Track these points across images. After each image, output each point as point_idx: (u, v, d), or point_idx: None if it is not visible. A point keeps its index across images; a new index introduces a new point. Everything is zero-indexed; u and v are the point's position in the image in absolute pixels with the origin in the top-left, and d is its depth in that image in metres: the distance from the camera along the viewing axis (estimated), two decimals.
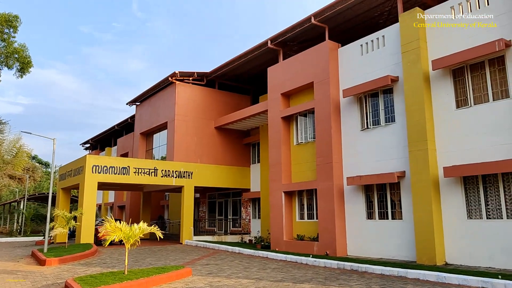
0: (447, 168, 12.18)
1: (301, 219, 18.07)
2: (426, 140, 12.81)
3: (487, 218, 11.70)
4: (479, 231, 11.69)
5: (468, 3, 12.65)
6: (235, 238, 23.17)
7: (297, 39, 19.70)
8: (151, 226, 10.76)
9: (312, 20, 17.19)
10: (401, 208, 13.88)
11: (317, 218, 16.81)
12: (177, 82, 24.40)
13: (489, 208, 11.74)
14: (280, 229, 17.99)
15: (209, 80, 25.44)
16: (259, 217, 23.08)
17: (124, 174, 20.78)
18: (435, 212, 12.42)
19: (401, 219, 13.80)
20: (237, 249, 17.63)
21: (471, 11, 12.56)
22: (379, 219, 14.63)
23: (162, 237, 11.22)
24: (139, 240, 10.63)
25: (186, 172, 22.53)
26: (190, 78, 24.87)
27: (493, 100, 11.88)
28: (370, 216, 14.99)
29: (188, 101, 24.57)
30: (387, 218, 14.36)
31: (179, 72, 24.03)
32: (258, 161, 24.07)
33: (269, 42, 19.50)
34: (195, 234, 22.85)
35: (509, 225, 11.12)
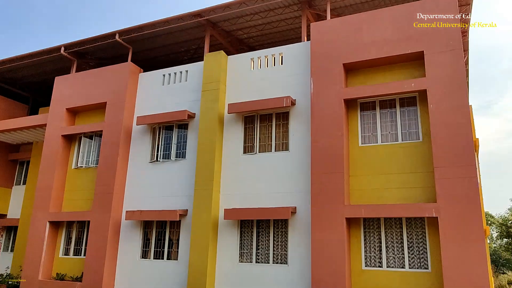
0: (227, 211, 12.29)
1: (65, 254, 15.55)
2: (212, 181, 12.79)
3: (256, 262, 12.11)
4: (248, 274, 11.97)
5: (266, 59, 13.66)
6: None
7: (97, 54, 17.95)
8: None
9: (117, 37, 15.92)
10: (178, 248, 13.28)
11: (85, 255, 14.70)
12: None
13: (259, 252, 12.21)
14: (37, 266, 15.02)
15: None
16: (12, 250, 19.06)
17: None
18: (210, 254, 12.24)
19: (177, 259, 13.17)
20: None
21: (267, 66, 13.56)
22: (154, 258, 13.66)
23: None
24: None
25: None
26: None
27: (275, 151, 12.78)
28: (145, 255, 13.88)
29: None
30: (163, 258, 13.52)
31: None
32: (24, 183, 20.27)
33: (62, 48, 17.14)
34: None
35: (274, 269, 11.70)
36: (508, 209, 33.97)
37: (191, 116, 14.11)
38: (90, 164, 16.03)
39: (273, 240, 12.13)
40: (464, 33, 15.45)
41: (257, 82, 13.54)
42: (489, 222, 34.42)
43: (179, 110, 14.27)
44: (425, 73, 10.90)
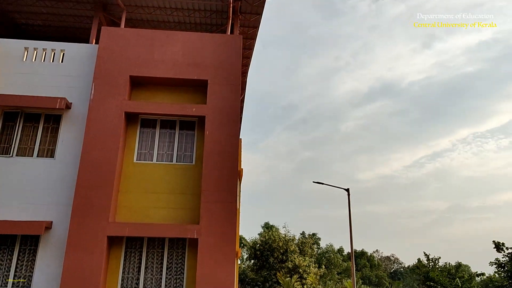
0: None
1: None
2: None
3: None
4: None
5: (44, 52, 12.03)
6: None
7: None
8: None
9: None
10: None
11: None
12: None
13: None
14: None
15: None
16: None
17: None
18: None
19: None
20: None
21: (44, 61, 11.96)
22: None
23: None
24: None
25: None
26: None
27: (37, 157, 11.21)
28: None
29: None
30: None
31: None
32: None
33: None
34: None
35: None
36: (258, 234, 38.89)
37: None
38: None
39: (17, 259, 10.37)
40: (244, 74, 17.30)
41: (29, 76, 11.76)
42: (242, 244, 38.54)
43: None
44: (207, 100, 11.57)
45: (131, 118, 11.68)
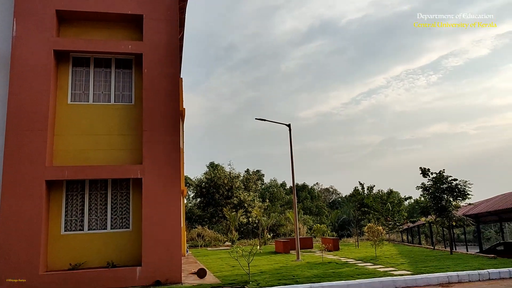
0: None
1: None
2: None
3: None
4: None
5: None
6: None
7: None
8: None
9: None
10: None
11: None
12: None
13: None
14: None
15: None
16: None
17: None
18: None
19: None
20: None
21: None
22: None
23: None
24: None
25: None
26: None
27: None
28: None
29: None
30: None
31: None
32: None
33: None
34: None
35: None
36: (204, 173, 39.37)
37: None
38: None
39: None
40: (182, 9, 16.50)
41: None
42: (188, 184, 38.98)
43: None
44: (143, 37, 11.03)
45: (61, 57, 10.93)
